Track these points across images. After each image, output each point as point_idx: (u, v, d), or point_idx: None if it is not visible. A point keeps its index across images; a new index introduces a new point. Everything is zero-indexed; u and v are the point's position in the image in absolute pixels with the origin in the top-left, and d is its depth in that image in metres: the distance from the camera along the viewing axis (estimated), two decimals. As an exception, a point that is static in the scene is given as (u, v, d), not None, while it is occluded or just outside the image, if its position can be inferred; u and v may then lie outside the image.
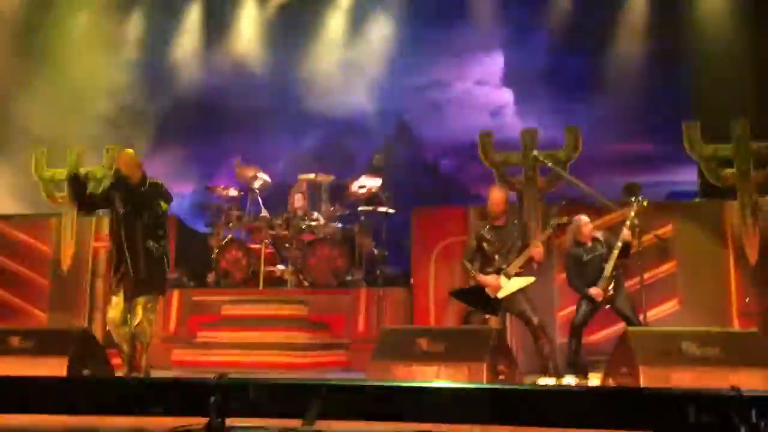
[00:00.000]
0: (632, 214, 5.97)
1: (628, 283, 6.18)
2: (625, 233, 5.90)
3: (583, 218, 6.18)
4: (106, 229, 8.53)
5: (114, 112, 10.10)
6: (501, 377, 4.85)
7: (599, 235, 6.18)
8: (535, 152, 7.14)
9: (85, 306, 8.38)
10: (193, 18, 11.56)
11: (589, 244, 6.13)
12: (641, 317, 6.01)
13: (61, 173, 8.69)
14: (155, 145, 10.50)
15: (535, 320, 5.58)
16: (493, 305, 5.64)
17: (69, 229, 8.50)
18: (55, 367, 4.92)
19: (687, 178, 9.39)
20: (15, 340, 5.28)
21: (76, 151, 8.75)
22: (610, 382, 5.09)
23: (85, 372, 5.15)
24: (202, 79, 11.30)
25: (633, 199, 6.07)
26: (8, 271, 8.51)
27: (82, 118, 9.53)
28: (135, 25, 11.26)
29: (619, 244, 5.87)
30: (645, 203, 6.02)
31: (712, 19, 9.71)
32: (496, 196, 5.87)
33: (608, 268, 5.90)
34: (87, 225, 8.57)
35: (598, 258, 6.04)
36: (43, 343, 5.26)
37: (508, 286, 5.61)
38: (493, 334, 4.98)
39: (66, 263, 8.45)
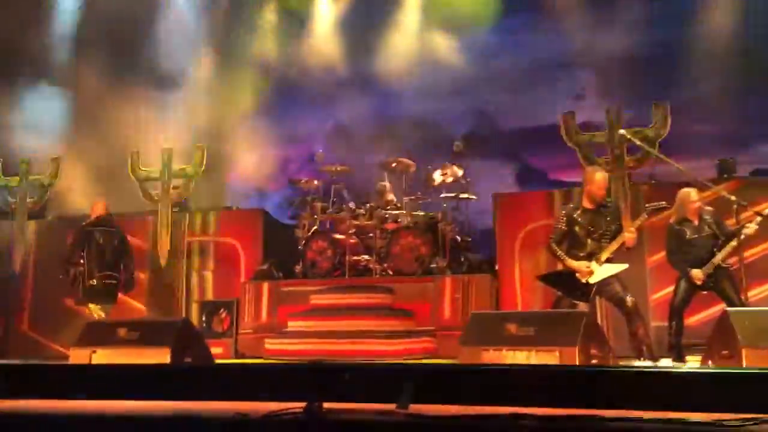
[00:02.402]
0: (767, 211, 5.67)
1: (727, 263, 5.90)
2: (753, 228, 5.59)
3: (693, 194, 5.91)
4: (199, 225, 8.98)
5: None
6: (594, 361, 4.75)
7: (708, 215, 5.89)
8: (622, 131, 6.94)
9: (181, 298, 8.80)
10: (269, 17, 11.75)
11: (696, 222, 5.86)
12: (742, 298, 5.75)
13: (155, 172, 9.14)
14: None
15: (629, 302, 5.41)
16: (584, 291, 5.51)
17: (165, 225, 8.92)
18: (159, 355, 5.17)
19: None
20: (122, 332, 5.57)
21: (167, 151, 9.19)
22: (710, 365, 4.91)
23: (187, 360, 5.38)
24: (281, 76, 11.48)
25: None
26: (109, 266, 8.99)
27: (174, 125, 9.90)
28: (212, 25, 11.56)
29: (742, 235, 5.58)
30: None
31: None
32: (601, 178, 5.67)
33: (720, 256, 5.66)
34: (181, 221, 8.99)
35: (704, 239, 5.77)
36: (148, 333, 5.53)
37: (599, 272, 5.47)
38: (585, 318, 4.89)
39: (163, 258, 8.87)
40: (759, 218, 5.62)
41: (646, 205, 5.69)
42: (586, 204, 5.66)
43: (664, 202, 5.66)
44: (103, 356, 5.42)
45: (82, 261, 7.41)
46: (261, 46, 11.55)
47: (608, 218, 5.60)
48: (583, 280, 5.49)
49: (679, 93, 8.48)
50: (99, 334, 5.72)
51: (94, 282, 7.37)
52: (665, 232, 6.08)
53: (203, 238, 8.99)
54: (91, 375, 4.31)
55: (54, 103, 10.27)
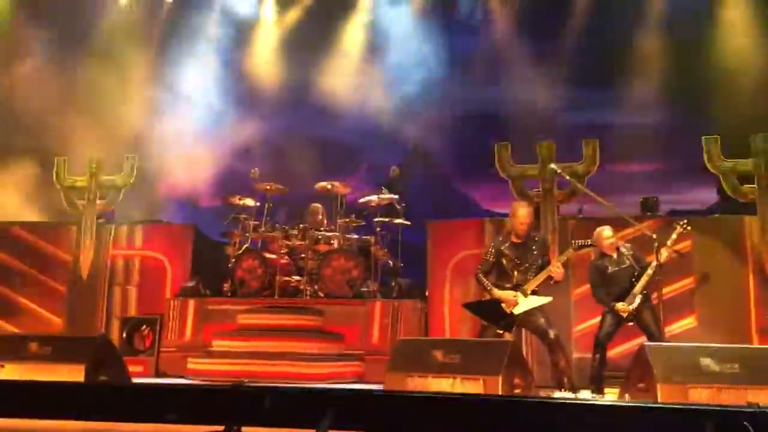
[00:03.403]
0: (674, 236, 5.89)
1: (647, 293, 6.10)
2: (665, 255, 5.81)
3: (605, 231, 6.11)
4: (124, 237, 8.70)
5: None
6: (516, 390, 4.82)
7: (625, 248, 6.10)
8: (552, 165, 7.15)
9: (102, 313, 8.49)
10: (210, 35, 11.62)
11: (614, 256, 6.06)
12: (657, 333, 5.95)
13: (82, 181, 8.84)
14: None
15: (552, 334, 5.54)
16: (508, 321, 5.61)
17: (88, 236, 8.62)
18: (72, 372, 4.96)
19: (692, 197, 9.43)
20: (33, 346, 5.33)
21: (95, 160, 8.91)
22: (627, 398, 5.04)
23: (102, 378, 5.19)
24: (219, 96, 11.34)
25: (678, 223, 5.95)
26: (27, 277, 8.63)
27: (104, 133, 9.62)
28: (154, 43, 11.34)
29: (654, 264, 5.79)
30: (689, 228, 5.94)
31: (731, 34, 9.66)
32: (523, 213, 5.79)
33: (639, 287, 5.83)
34: (106, 233, 8.70)
35: (624, 272, 5.96)
36: (62, 349, 5.30)
37: (524, 303, 5.59)
38: (509, 347, 4.96)
39: (84, 270, 8.56)
40: (669, 243, 5.85)
41: (572, 240, 5.86)
42: (513, 237, 5.79)
43: (590, 240, 5.86)
44: (11, 371, 5.16)
45: None
46: (201, 56, 11.42)
47: (535, 251, 5.73)
48: (508, 311, 5.59)
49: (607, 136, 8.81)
50: (8, 348, 5.46)
51: None
52: (588, 266, 6.27)
53: (129, 251, 8.71)
54: (-4, 391, 4.08)
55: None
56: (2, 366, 5.22)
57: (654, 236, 5.94)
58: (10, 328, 8.36)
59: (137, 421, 3.58)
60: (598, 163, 7.58)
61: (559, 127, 9.22)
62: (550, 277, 5.62)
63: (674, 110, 9.78)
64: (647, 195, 8.09)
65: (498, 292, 5.63)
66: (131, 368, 6.25)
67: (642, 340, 5.82)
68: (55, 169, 8.93)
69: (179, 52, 11.32)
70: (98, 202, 8.80)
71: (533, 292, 5.61)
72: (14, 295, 8.58)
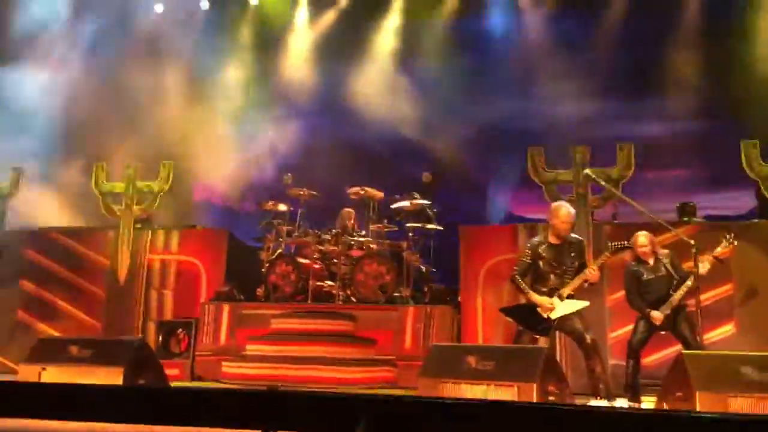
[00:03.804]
0: (719, 249, 5.81)
1: (685, 304, 6.00)
2: (706, 267, 5.71)
3: (641, 238, 6.02)
4: (161, 242, 8.84)
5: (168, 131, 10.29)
6: (551, 398, 4.77)
7: (662, 255, 6.02)
8: (587, 170, 7.08)
9: (139, 316, 8.63)
10: (243, 40, 11.74)
11: (651, 262, 5.97)
12: (696, 340, 5.84)
13: (120, 187, 9.02)
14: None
15: (588, 339, 5.47)
16: (544, 326, 5.56)
17: (125, 241, 8.78)
18: (111, 375, 5.06)
19: (728, 202, 9.25)
20: (74, 349, 5.45)
21: (133, 166, 9.08)
22: (665, 407, 4.96)
23: (140, 382, 5.27)
24: (254, 100, 11.45)
25: (724, 236, 5.86)
26: (66, 281, 8.83)
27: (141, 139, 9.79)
28: (188, 47, 11.48)
29: (693, 276, 5.69)
30: (735, 242, 5.85)
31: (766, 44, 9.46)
32: (565, 212, 5.72)
33: (676, 297, 5.75)
34: (143, 238, 8.85)
35: (661, 280, 5.87)
36: (101, 352, 5.41)
37: (561, 307, 5.54)
38: (544, 354, 4.92)
39: (122, 274, 8.71)
40: (712, 258, 5.75)
41: (609, 243, 5.79)
42: (552, 239, 5.73)
43: (626, 242, 5.78)
44: (53, 374, 5.28)
45: None
46: (235, 63, 11.54)
47: (573, 254, 5.67)
48: (545, 315, 5.54)
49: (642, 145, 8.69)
50: (50, 351, 5.59)
51: None
52: (624, 271, 6.18)
53: (165, 256, 8.86)
54: (38, 393, 4.18)
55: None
56: (44, 369, 5.34)
57: (692, 242, 5.84)
58: (51, 332, 8.56)
59: (174, 424, 3.63)
60: (633, 168, 7.49)
61: (592, 137, 9.11)
62: (586, 281, 5.57)
63: (710, 117, 9.61)
64: (684, 201, 7.96)
65: (534, 296, 5.59)
66: (167, 371, 6.34)
67: (678, 348, 5.73)
68: (93, 175, 9.13)
69: (214, 56, 11.46)
70: (135, 207, 8.97)
71: (569, 297, 5.56)
72: (54, 299, 8.79)
